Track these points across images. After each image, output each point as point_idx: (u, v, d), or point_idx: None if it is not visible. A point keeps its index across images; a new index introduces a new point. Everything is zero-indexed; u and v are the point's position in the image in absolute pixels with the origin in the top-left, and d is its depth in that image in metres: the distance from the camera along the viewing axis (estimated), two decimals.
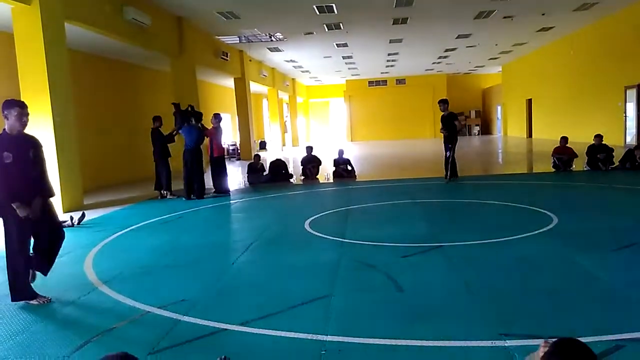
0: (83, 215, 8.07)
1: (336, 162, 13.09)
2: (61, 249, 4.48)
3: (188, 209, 9.12)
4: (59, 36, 9.15)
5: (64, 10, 9.23)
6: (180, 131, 10.34)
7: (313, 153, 13.39)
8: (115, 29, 11.19)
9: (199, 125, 10.49)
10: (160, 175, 10.56)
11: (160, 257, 5.70)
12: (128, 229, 7.39)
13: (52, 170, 8.90)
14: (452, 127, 11.05)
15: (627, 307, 3.54)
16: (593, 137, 11.93)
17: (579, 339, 2.91)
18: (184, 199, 10.18)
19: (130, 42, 12.21)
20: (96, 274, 4.99)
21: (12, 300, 4.14)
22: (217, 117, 10.97)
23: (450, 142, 11.05)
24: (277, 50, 21.50)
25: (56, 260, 4.47)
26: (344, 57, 24.76)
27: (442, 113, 11.31)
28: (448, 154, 11.04)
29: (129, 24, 11.60)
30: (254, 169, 12.86)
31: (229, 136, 24.70)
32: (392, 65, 29.10)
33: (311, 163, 13.12)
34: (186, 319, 3.67)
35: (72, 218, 7.75)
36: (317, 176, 13.06)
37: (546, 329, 3.16)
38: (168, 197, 10.50)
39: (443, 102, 11.43)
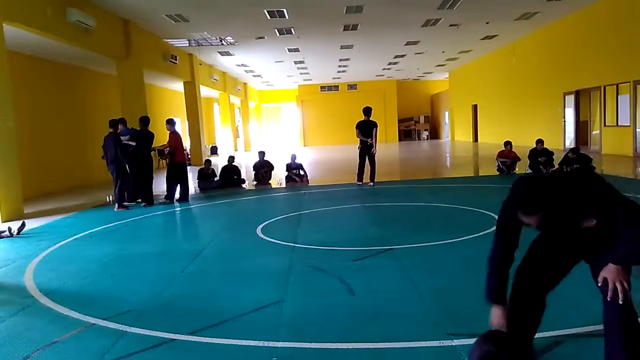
0: (23, 225, 7.71)
1: (289, 167, 13.08)
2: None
3: (135, 216, 8.88)
4: None
5: (2, 10, 8.82)
6: (130, 136, 10.07)
7: (265, 158, 13.33)
8: (58, 30, 10.76)
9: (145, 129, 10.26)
10: (129, 184, 10.00)
11: (105, 267, 5.51)
12: (71, 238, 7.11)
13: None
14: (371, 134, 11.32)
15: (564, 304, 3.70)
16: (535, 142, 12.45)
17: None
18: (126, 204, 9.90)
19: (74, 45, 11.77)
20: (37, 286, 4.78)
21: None
22: (170, 122, 10.56)
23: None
24: (228, 54, 21.32)
25: None
26: (295, 62, 24.82)
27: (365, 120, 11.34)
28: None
29: (73, 26, 11.19)
30: (205, 174, 12.67)
31: None
32: (343, 71, 29.41)
33: (264, 168, 13.05)
34: (133, 330, 3.57)
35: (10, 228, 7.38)
36: (270, 181, 13.01)
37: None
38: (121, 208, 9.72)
39: (369, 111, 11.43)
